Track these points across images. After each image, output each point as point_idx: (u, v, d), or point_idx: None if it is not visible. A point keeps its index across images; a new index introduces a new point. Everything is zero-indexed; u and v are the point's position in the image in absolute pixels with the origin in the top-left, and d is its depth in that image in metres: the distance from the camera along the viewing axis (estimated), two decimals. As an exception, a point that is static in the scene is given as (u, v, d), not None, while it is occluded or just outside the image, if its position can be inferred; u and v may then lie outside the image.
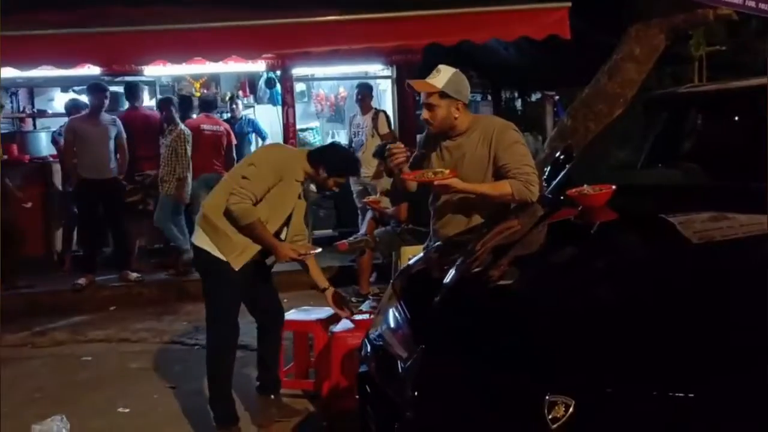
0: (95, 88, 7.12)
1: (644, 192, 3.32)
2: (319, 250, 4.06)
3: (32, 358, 5.51)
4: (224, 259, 3.68)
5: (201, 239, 3.75)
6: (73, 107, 7.56)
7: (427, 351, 2.15)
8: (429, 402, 2.08)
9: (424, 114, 3.45)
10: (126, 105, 7.98)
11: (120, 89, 8.17)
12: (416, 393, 2.10)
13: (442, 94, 3.35)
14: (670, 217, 2.89)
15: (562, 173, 3.66)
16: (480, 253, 2.76)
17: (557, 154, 3.97)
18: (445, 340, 2.18)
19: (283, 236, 3.87)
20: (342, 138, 8.95)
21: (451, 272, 2.52)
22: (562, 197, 3.32)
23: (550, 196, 3.56)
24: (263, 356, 4.13)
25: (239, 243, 3.68)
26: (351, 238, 6.58)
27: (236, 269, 3.70)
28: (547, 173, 3.82)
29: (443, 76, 3.37)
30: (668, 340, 1.86)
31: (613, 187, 2.92)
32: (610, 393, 1.76)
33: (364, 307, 4.69)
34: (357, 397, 2.66)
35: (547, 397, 1.78)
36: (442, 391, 2.06)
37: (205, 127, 7.59)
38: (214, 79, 9.36)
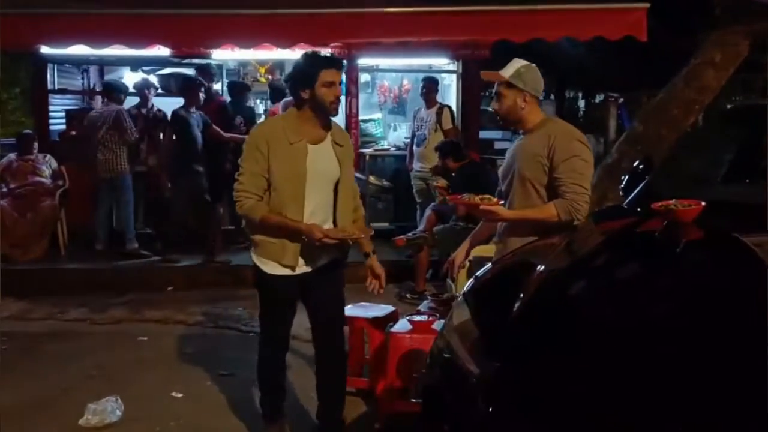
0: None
1: (724, 208, 3.13)
2: (363, 236, 3.38)
3: (91, 333, 5.59)
4: (268, 270, 3.40)
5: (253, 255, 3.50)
6: (144, 87, 7.70)
7: (501, 369, 2.05)
8: (499, 422, 1.98)
9: (492, 104, 3.52)
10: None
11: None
12: (489, 410, 2.00)
13: (509, 84, 3.36)
14: (745, 237, 2.72)
15: (642, 184, 3.52)
16: (558, 268, 2.65)
17: (636, 164, 3.82)
18: (521, 359, 2.08)
19: (328, 222, 3.39)
20: (404, 131, 8.87)
21: (527, 286, 2.42)
22: (640, 209, 3.18)
23: (627, 207, 3.42)
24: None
25: (277, 241, 3.35)
26: (409, 234, 6.51)
27: (295, 268, 3.37)
28: (624, 183, 3.68)
29: (511, 66, 3.39)
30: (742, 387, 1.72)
31: (703, 203, 2.76)
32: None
33: (423, 307, 4.58)
34: (414, 401, 2.60)
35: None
36: (514, 412, 1.95)
37: None
38: (278, 66, 9.35)
